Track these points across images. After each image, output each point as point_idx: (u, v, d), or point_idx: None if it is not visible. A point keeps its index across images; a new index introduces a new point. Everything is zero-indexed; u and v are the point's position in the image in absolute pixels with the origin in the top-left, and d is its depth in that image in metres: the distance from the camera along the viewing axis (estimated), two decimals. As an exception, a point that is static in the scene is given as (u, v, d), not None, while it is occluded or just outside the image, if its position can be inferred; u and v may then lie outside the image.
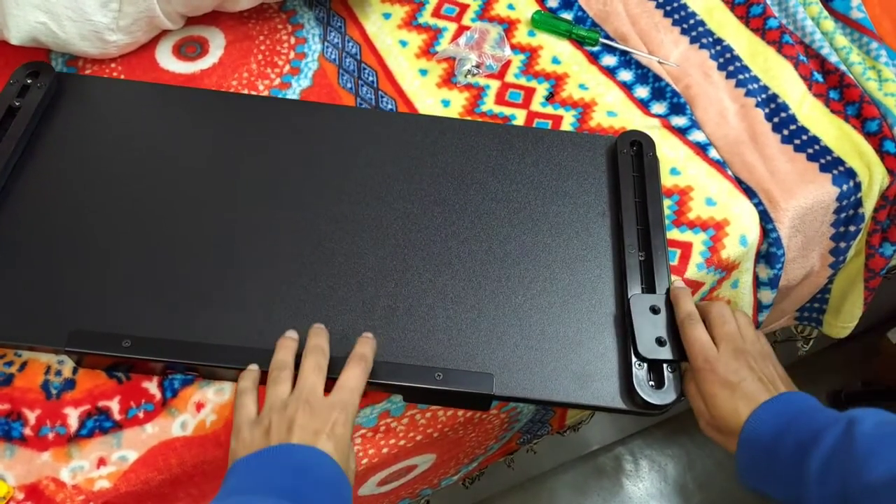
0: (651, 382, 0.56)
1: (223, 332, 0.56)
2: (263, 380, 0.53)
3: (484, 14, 0.81)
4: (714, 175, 0.69)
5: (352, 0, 0.81)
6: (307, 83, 0.74)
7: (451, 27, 0.79)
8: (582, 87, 0.75)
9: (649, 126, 0.72)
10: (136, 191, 0.63)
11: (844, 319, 0.85)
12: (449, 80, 0.75)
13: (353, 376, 0.52)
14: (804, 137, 0.72)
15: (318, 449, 0.47)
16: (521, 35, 0.79)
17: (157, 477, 0.53)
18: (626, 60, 0.77)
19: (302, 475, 0.45)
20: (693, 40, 0.79)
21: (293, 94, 0.73)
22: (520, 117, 0.73)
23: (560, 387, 0.56)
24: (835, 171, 0.69)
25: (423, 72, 0.76)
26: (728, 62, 0.77)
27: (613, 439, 1.32)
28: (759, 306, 0.74)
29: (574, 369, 0.57)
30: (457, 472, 0.79)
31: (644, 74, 0.76)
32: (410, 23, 0.79)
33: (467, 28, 0.79)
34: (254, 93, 0.73)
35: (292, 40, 0.78)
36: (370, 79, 0.75)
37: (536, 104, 0.74)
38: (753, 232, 0.66)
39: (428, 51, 0.77)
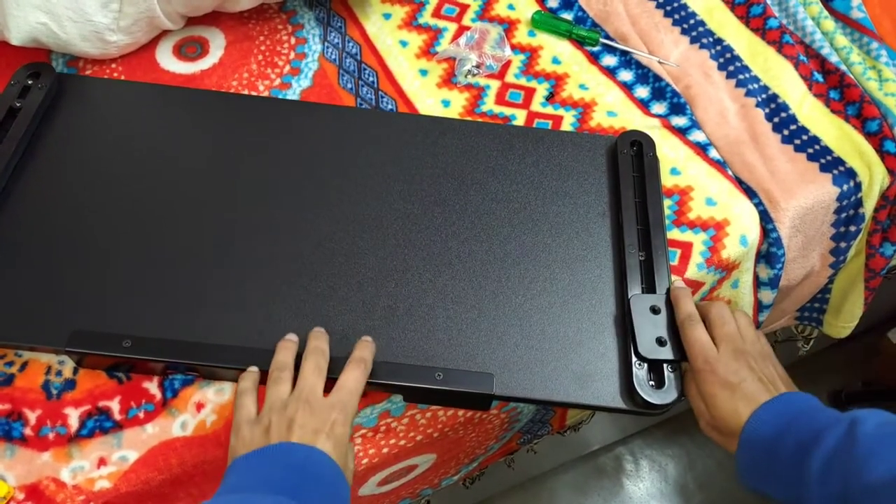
0: (651, 382, 0.56)
1: (223, 332, 0.56)
2: (263, 380, 0.54)
3: (484, 14, 0.81)
4: (714, 175, 0.69)
5: (352, 0, 0.81)
6: (307, 83, 0.74)
7: (452, 27, 0.79)
8: (582, 87, 0.75)
9: (649, 126, 0.72)
10: (137, 191, 0.63)
11: (845, 319, 0.85)
12: (449, 81, 0.75)
13: (353, 378, 0.52)
14: (804, 137, 0.72)
15: (318, 448, 0.47)
16: (522, 35, 0.79)
17: (157, 477, 0.53)
18: (627, 60, 0.77)
19: (301, 473, 0.46)
20: (693, 40, 0.79)
21: (293, 94, 0.73)
22: (520, 117, 0.73)
23: (560, 387, 0.56)
24: (835, 171, 0.69)
25: (424, 72, 0.76)
26: (728, 62, 0.77)
27: (614, 439, 1.32)
28: (759, 306, 0.74)
29: (574, 369, 0.57)
30: (457, 472, 0.79)
31: (644, 74, 0.76)
32: (411, 23, 0.80)
33: (467, 28, 0.79)
34: (254, 93, 0.73)
35: (292, 40, 0.78)
36: (370, 79, 0.75)
37: (536, 104, 0.74)
38: (754, 232, 0.66)
39: (428, 51, 0.77)
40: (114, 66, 0.73)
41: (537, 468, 1.26)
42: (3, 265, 0.59)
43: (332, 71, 0.76)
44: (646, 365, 0.56)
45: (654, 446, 1.33)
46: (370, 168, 0.66)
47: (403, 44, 0.78)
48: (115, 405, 0.55)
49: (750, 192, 0.68)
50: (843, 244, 0.73)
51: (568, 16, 0.81)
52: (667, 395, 0.55)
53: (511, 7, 0.81)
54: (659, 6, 0.81)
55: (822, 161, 0.70)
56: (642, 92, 0.75)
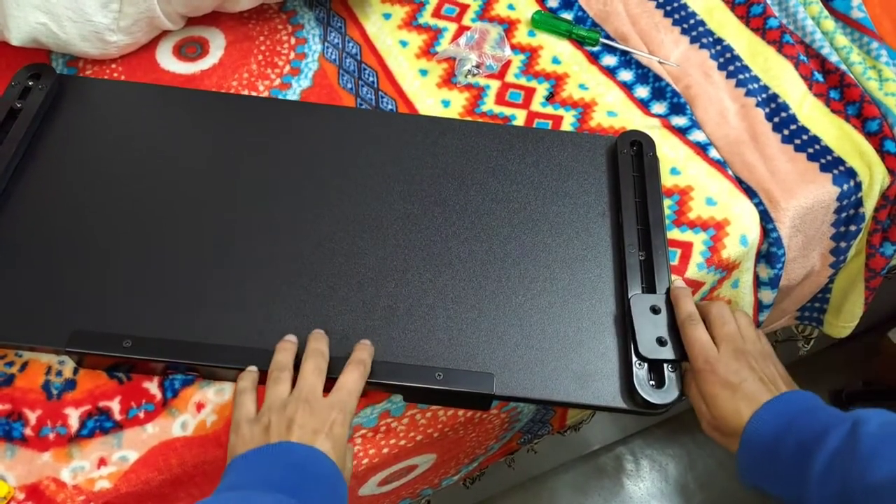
0: (651, 382, 0.56)
1: (223, 332, 0.56)
2: (262, 380, 0.54)
3: (484, 14, 0.81)
4: (714, 175, 0.69)
5: (352, 0, 0.81)
6: (307, 83, 0.74)
7: (452, 27, 0.79)
8: (582, 87, 0.75)
9: (649, 126, 0.72)
10: (137, 191, 0.63)
11: (845, 319, 0.85)
12: (449, 81, 0.75)
13: (352, 379, 0.52)
14: (804, 137, 0.72)
15: (317, 448, 0.47)
16: (522, 35, 0.79)
17: (157, 477, 0.53)
18: (627, 60, 0.77)
19: (301, 472, 0.46)
20: (693, 40, 0.79)
21: (293, 94, 0.73)
22: (520, 117, 0.73)
23: (560, 386, 0.56)
24: (835, 171, 0.69)
25: (424, 72, 0.76)
26: (728, 62, 0.77)
27: (614, 439, 1.32)
28: (759, 306, 0.74)
29: (574, 369, 0.57)
30: (457, 472, 0.79)
31: (644, 74, 0.76)
32: (410, 23, 0.80)
33: (467, 28, 0.79)
34: (254, 93, 0.73)
35: (292, 41, 0.78)
36: (370, 79, 0.75)
37: (536, 104, 0.74)
38: (754, 232, 0.66)
39: (428, 51, 0.77)
40: (114, 66, 0.73)
41: (538, 468, 1.26)
42: (4, 265, 0.59)
43: (332, 71, 0.76)
44: (646, 365, 0.56)
45: (654, 446, 1.33)
46: (370, 168, 0.66)
47: (403, 44, 0.78)
48: (115, 405, 0.55)
49: (750, 192, 0.68)
50: (843, 244, 0.73)
51: (568, 16, 0.81)
52: (667, 395, 0.55)
53: (511, 7, 0.81)
54: (659, 6, 0.81)
55: (823, 161, 0.70)
56: (642, 92, 0.75)
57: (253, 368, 0.54)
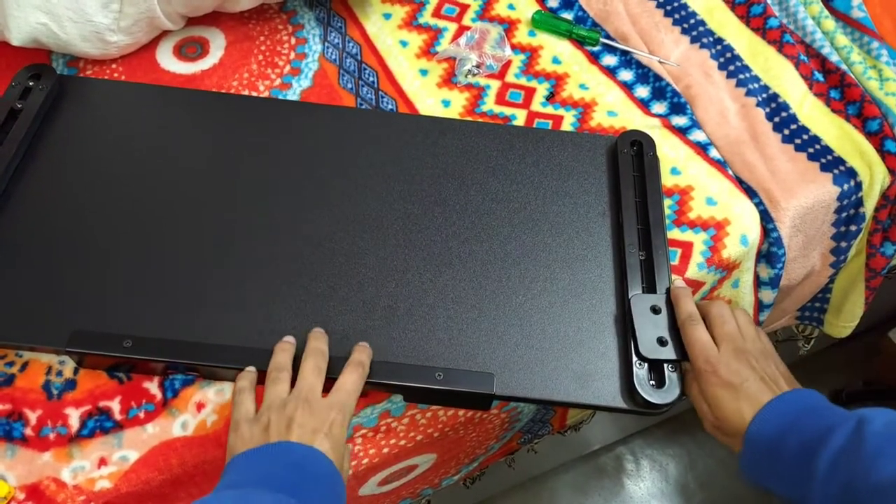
0: (652, 382, 0.56)
1: (223, 332, 0.56)
2: (261, 381, 0.54)
3: (484, 14, 0.81)
4: (715, 175, 0.69)
5: (352, 0, 0.81)
6: (307, 83, 0.74)
7: (452, 27, 0.79)
8: (582, 86, 0.75)
9: (650, 126, 0.72)
10: (137, 192, 0.63)
11: (845, 319, 0.85)
12: (449, 81, 0.75)
13: (351, 380, 0.52)
14: (805, 137, 0.72)
15: (316, 448, 0.47)
16: (522, 35, 0.79)
17: (157, 477, 0.53)
18: (627, 60, 0.77)
19: (300, 471, 0.46)
20: (693, 40, 0.79)
21: (294, 94, 0.73)
22: (520, 117, 0.73)
23: (561, 386, 0.56)
24: (835, 171, 0.69)
25: (424, 72, 0.76)
26: (728, 62, 0.77)
27: (614, 439, 1.32)
28: (759, 306, 0.74)
29: (575, 369, 0.57)
30: (458, 472, 0.79)
31: (644, 74, 0.76)
32: (411, 23, 0.80)
33: (468, 28, 0.79)
34: (254, 93, 0.73)
35: (293, 41, 0.78)
36: (370, 79, 0.75)
37: (537, 104, 0.74)
38: (754, 231, 0.66)
39: (428, 51, 0.77)
40: (114, 66, 0.73)
41: (538, 468, 1.26)
42: (4, 265, 0.59)
43: (332, 71, 0.76)
44: (646, 365, 0.56)
45: (654, 446, 1.33)
46: (370, 168, 0.66)
47: (403, 44, 0.78)
48: (115, 405, 0.55)
49: (750, 192, 0.68)
50: (843, 244, 0.73)
51: (568, 15, 0.81)
52: (667, 395, 0.55)
53: (511, 7, 0.81)
54: (659, 6, 0.81)
55: (823, 160, 0.70)
56: (642, 92, 0.75)
57: (251, 368, 0.54)
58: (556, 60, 0.77)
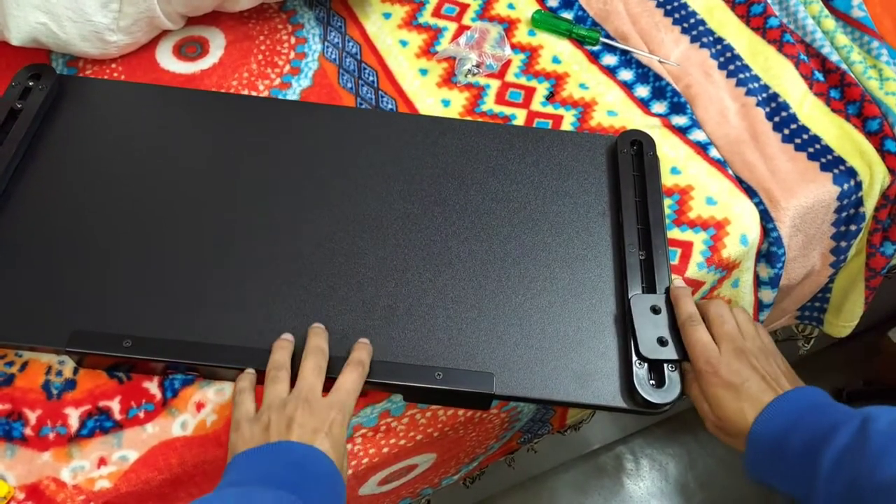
0: (652, 381, 0.56)
1: (223, 332, 0.56)
2: (260, 380, 0.54)
3: (484, 14, 0.81)
4: (714, 174, 0.69)
5: (352, 0, 0.81)
6: (307, 83, 0.74)
7: (452, 27, 0.79)
8: (582, 86, 0.75)
9: (650, 125, 0.72)
10: (137, 192, 0.63)
11: (845, 318, 0.85)
12: (449, 80, 0.75)
13: (351, 379, 0.52)
14: (805, 136, 0.72)
15: (316, 447, 0.47)
16: (522, 34, 0.79)
17: (157, 477, 0.53)
18: (627, 60, 0.77)
19: (301, 471, 0.46)
20: (693, 39, 0.79)
21: (293, 93, 0.73)
22: (520, 117, 0.73)
23: (561, 386, 0.56)
24: (835, 171, 0.69)
25: (424, 71, 0.76)
26: (728, 61, 0.77)
27: (614, 438, 1.32)
28: (759, 305, 0.74)
29: (575, 368, 0.57)
30: (457, 472, 0.79)
31: (644, 74, 0.76)
32: (410, 22, 0.79)
33: (467, 28, 0.79)
34: (254, 93, 0.73)
35: (292, 40, 0.78)
36: (370, 79, 0.75)
37: (537, 104, 0.74)
38: (754, 231, 0.66)
39: (428, 50, 0.77)
40: (114, 66, 0.73)
41: (538, 467, 1.26)
42: (4, 265, 0.59)
43: (332, 70, 0.76)
44: (646, 364, 0.56)
45: (654, 445, 1.33)
46: (370, 168, 0.66)
47: (403, 43, 0.78)
48: (115, 405, 0.55)
49: (750, 192, 0.68)
50: (843, 243, 0.73)
51: (568, 15, 0.81)
52: (667, 395, 0.55)
53: (511, 6, 0.81)
54: (659, 5, 0.81)
55: (823, 160, 0.70)
56: (642, 91, 0.75)
57: (251, 370, 0.54)
58: (555, 60, 0.77)
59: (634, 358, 0.56)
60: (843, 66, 0.75)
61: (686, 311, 0.56)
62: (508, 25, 0.80)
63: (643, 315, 0.58)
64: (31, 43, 0.69)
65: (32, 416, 0.55)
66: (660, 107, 0.74)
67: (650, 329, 0.57)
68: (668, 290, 0.59)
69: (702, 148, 0.70)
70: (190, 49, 0.76)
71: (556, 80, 0.76)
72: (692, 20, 0.80)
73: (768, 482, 0.50)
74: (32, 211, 0.61)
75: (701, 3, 0.81)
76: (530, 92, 0.75)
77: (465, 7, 0.81)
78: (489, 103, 0.74)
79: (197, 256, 0.60)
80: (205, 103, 0.70)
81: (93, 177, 0.64)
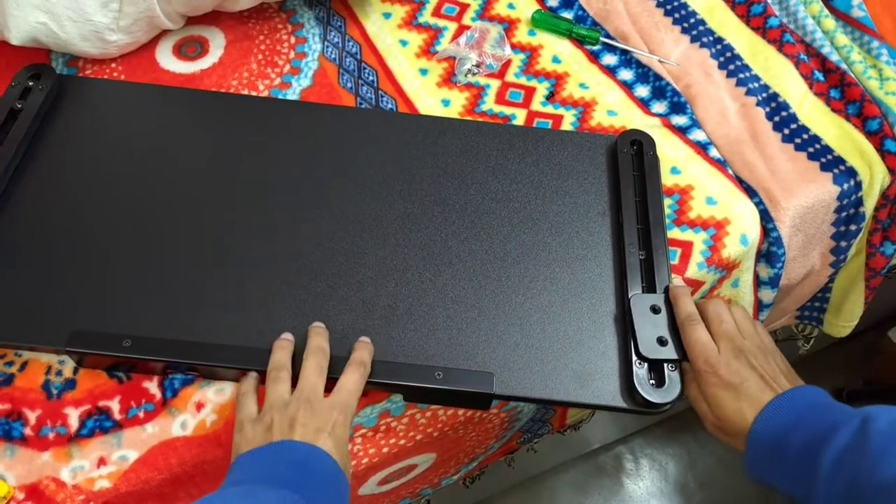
0: (651, 381, 0.56)
1: (223, 332, 0.56)
2: (261, 380, 0.54)
3: (484, 13, 0.81)
4: (714, 174, 0.69)
5: (352, 0, 0.81)
6: (307, 83, 0.74)
7: (452, 26, 0.79)
8: (582, 86, 0.75)
9: (650, 125, 0.72)
10: (137, 191, 0.63)
11: (845, 318, 0.85)
12: (449, 80, 0.75)
13: (353, 380, 0.52)
14: (805, 136, 0.72)
15: (319, 447, 0.47)
16: (522, 34, 0.79)
17: (157, 477, 0.53)
18: (627, 59, 0.77)
19: (305, 469, 0.46)
20: (693, 39, 0.79)
21: (293, 93, 0.73)
22: (520, 117, 0.73)
23: (560, 386, 0.56)
24: (835, 170, 0.69)
25: (424, 71, 0.76)
26: (728, 61, 0.77)
27: (614, 438, 1.32)
28: (759, 305, 0.74)
29: (574, 368, 0.57)
30: (457, 472, 0.79)
31: (644, 73, 0.76)
32: (410, 22, 0.79)
33: (467, 27, 0.79)
34: (254, 93, 0.73)
35: (292, 40, 0.78)
36: (370, 78, 0.75)
37: (537, 103, 0.74)
38: (754, 231, 0.66)
39: (428, 50, 0.77)
40: (113, 65, 0.73)
41: (537, 467, 1.26)
42: (4, 265, 0.59)
43: (331, 70, 0.76)
44: (646, 364, 0.56)
45: (654, 445, 1.33)
46: (370, 168, 0.66)
47: (403, 43, 0.78)
48: (115, 405, 0.55)
49: (750, 192, 0.68)
50: (843, 243, 0.73)
51: (568, 15, 0.81)
52: (667, 394, 0.55)
53: (511, 6, 0.81)
54: (659, 5, 0.81)
55: (823, 160, 0.70)
56: (642, 91, 0.75)
57: (254, 374, 0.55)
58: (555, 60, 0.77)
59: (634, 358, 0.56)
60: (843, 66, 0.75)
61: (685, 311, 0.56)
62: (508, 25, 0.80)
63: (643, 315, 0.58)
64: (30, 42, 0.69)
65: (32, 416, 0.55)
66: (660, 106, 0.74)
67: (650, 329, 0.57)
68: (667, 290, 0.59)
69: (702, 148, 0.70)
70: (190, 49, 0.76)
71: (556, 80, 0.76)
72: (692, 20, 0.80)
73: (768, 481, 0.50)
74: (32, 211, 0.61)
75: (701, 3, 0.81)
76: (530, 92, 0.75)
77: (465, 7, 0.81)
78: (489, 103, 0.74)
79: (197, 256, 0.60)
80: (205, 103, 0.70)
81: (93, 177, 0.64)
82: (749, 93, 0.74)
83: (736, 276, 0.69)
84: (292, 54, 0.76)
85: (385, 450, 0.63)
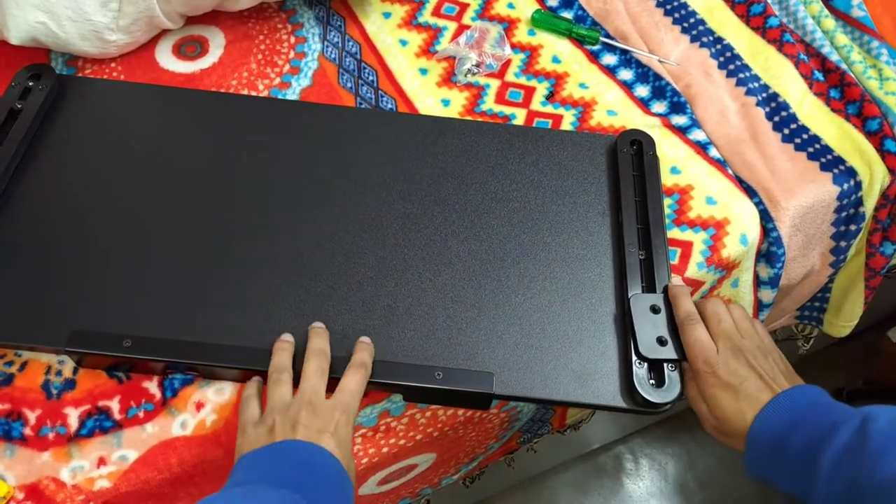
0: (651, 381, 0.56)
1: (223, 332, 0.56)
2: (264, 380, 0.54)
3: (484, 13, 0.81)
4: (714, 174, 0.69)
5: (351, 0, 0.81)
6: (307, 82, 0.74)
7: (451, 26, 0.79)
8: (582, 86, 0.75)
9: (649, 125, 0.72)
10: (137, 191, 0.63)
11: (845, 318, 0.85)
12: (449, 80, 0.75)
13: (354, 381, 0.52)
14: (805, 136, 0.72)
15: (322, 446, 0.47)
16: (522, 34, 0.79)
17: (157, 476, 0.53)
18: (627, 59, 0.77)
19: (307, 469, 0.46)
20: (693, 39, 0.79)
21: (293, 93, 0.73)
22: (520, 116, 0.73)
23: (560, 385, 0.56)
24: (835, 170, 0.69)
25: (423, 71, 0.76)
26: (728, 61, 0.77)
27: (614, 438, 1.32)
28: (759, 305, 0.74)
29: (574, 368, 0.57)
30: (457, 472, 0.79)
31: (644, 73, 0.76)
32: (410, 22, 0.79)
33: (467, 27, 0.79)
34: (253, 93, 0.73)
35: (292, 39, 0.78)
36: (370, 78, 0.75)
37: (536, 103, 0.74)
38: (754, 231, 0.66)
39: (428, 50, 0.77)
40: (113, 65, 0.73)
41: (537, 467, 1.26)
42: (4, 265, 0.59)
43: (331, 70, 0.75)
44: (646, 364, 0.56)
45: (654, 445, 1.33)
46: (370, 168, 0.66)
47: (403, 43, 0.78)
48: (114, 405, 0.55)
49: (750, 191, 0.68)
50: (843, 243, 0.73)
51: (568, 14, 0.81)
52: (667, 394, 0.55)
53: (511, 6, 0.81)
54: (659, 5, 0.81)
55: (823, 160, 0.70)
56: (642, 91, 0.75)
57: (257, 378, 0.55)
58: (555, 59, 0.77)
59: (634, 357, 0.56)
60: (843, 66, 0.75)
61: (684, 310, 0.56)
62: (508, 25, 0.80)
63: (643, 314, 0.58)
64: (30, 42, 0.69)
65: (32, 416, 0.55)
66: (660, 106, 0.74)
67: (650, 328, 0.57)
68: (666, 290, 0.59)
69: (702, 148, 0.70)
70: (189, 48, 0.75)
71: (556, 80, 0.76)
72: (692, 20, 0.80)
73: (767, 480, 0.50)
74: (32, 211, 0.61)
75: (701, 3, 0.81)
76: (530, 91, 0.75)
77: (464, 6, 0.81)
78: (489, 103, 0.74)
79: (197, 256, 0.60)
80: (204, 103, 0.70)
81: (93, 177, 0.64)
82: (749, 93, 0.74)
83: (736, 276, 0.69)
84: (292, 54, 0.76)
85: (385, 450, 0.63)
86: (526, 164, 0.67)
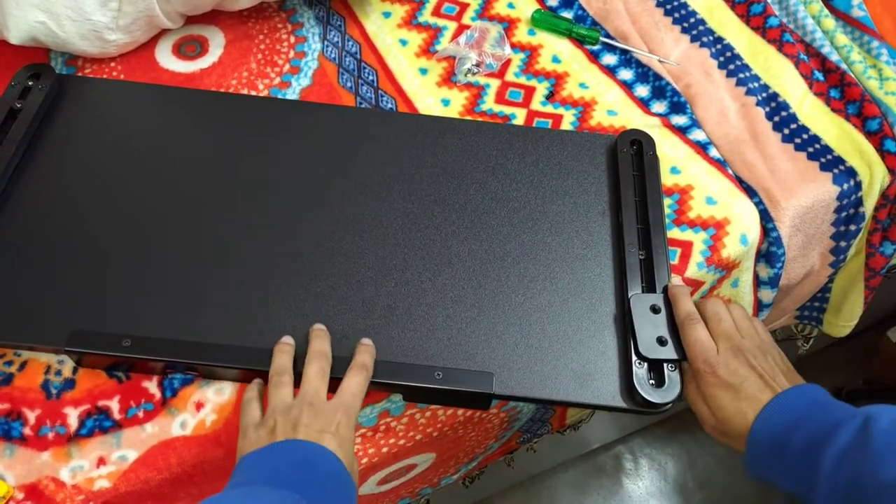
0: (651, 381, 0.56)
1: (223, 332, 0.56)
2: (264, 381, 0.54)
3: (484, 13, 0.81)
4: (714, 174, 0.69)
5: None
6: (307, 82, 0.74)
7: (451, 26, 0.79)
8: (582, 85, 0.75)
9: (649, 125, 0.72)
10: (137, 191, 0.63)
11: (845, 318, 0.85)
12: (449, 79, 0.75)
13: (356, 382, 0.52)
14: (805, 136, 0.72)
15: (324, 446, 0.47)
16: (521, 34, 0.79)
17: (156, 476, 0.53)
18: (627, 59, 0.77)
19: (308, 468, 0.46)
20: (693, 39, 0.79)
21: (293, 93, 0.73)
22: (520, 116, 0.73)
23: (560, 385, 0.56)
24: (835, 170, 0.69)
25: (423, 71, 0.76)
26: (728, 61, 0.77)
27: (613, 438, 1.32)
28: (759, 305, 0.74)
29: (574, 368, 0.57)
30: (457, 472, 0.79)
31: (644, 73, 0.76)
32: (410, 22, 0.79)
33: (467, 27, 0.79)
34: (253, 92, 0.73)
35: (292, 39, 0.78)
36: (370, 78, 0.75)
37: (536, 103, 0.74)
38: (754, 231, 0.66)
39: (428, 50, 0.77)
40: (113, 64, 0.73)
41: (537, 467, 1.26)
42: (3, 265, 0.59)
43: (331, 70, 0.75)
44: (646, 364, 0.56)
45: (653, 445, 1.33)
46: (370, 167, 0.66)
47: (403, 42, 0.78)
48: (114, 405, 0.55)
49: (750, 191, 0.68)
50: (843, 243, 0.73)
51: (568, 14, 0.81)
52: (667, 394, 0.55)
53: (511, 5, 0.81)
54: (659, 4, 0.81)
55: (823, 160, 0.70)
56: (642, 91, 0.75)
57: (258, 381, 0.55)
58: (555, 59, 0.77)
59: (634, 357, 0.56)
60: (843, 66, 0.75)
61: (684, 310, 0.56)
62: (508, 25, 0.80)
63: (643, 314, 0.58)
64: (30, 42, 0.69)
65: (31, 416, 0.54)
66: (660, 106, 0.74)
67: (650, 328, 0.57)
68: (666, 290, 0.59)
69: (701, 148, 0.70)
70: (189, 48, 0.75)
71: (556, 80, 0.76)
72: (692, 20, 0.80)
73: (768, 479, 0.50)
74: (32, 211, 0.61)
75: (701, 3, 0.81)
76: (530, 91, 0.75)
77: (464, 6, 0.81)
78: (489, 103, 0.74)
79: (196, 256, 0.60)
80: (204, 103, 0.70)
81: (92, 176, 0.64)
82: (749, 93, 0.74)
83: (736, 276, 0.69)
84: (292, 54, 0.76)
85: (384, 449, 0.63)
86: (526, 164, 0.67)
